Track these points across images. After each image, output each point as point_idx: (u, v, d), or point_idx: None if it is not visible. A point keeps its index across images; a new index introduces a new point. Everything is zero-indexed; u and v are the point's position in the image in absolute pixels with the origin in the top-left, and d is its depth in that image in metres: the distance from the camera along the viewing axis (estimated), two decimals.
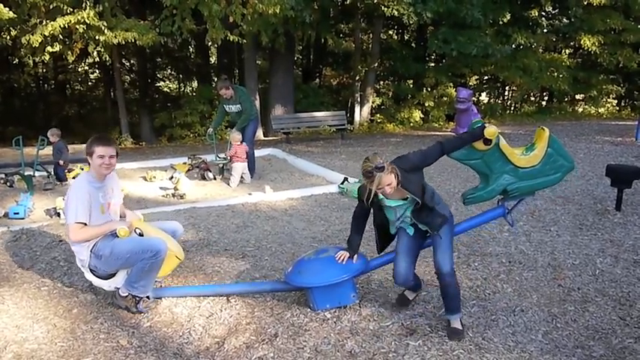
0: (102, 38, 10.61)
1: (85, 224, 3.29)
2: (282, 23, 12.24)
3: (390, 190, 2.96)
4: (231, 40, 11.24)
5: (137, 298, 3.44)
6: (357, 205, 3.36)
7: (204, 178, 7.95)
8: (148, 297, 3.54)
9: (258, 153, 10.42)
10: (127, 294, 3.43)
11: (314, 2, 13.45)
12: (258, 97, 15.30)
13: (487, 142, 3.09)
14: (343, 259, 3.36)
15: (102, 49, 11.16)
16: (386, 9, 12.69)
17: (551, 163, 3.17)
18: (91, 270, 3.43)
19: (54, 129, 8.08)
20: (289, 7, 10.74)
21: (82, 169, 7.55)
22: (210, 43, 11.88)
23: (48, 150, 8.17)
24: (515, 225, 3.85)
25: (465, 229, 3.48)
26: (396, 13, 12.72)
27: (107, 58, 12.01)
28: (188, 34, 11.54)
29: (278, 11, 10.36)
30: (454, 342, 3.07)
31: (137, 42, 11.10)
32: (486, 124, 3.10)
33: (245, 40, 11.92)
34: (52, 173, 7.77)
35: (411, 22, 13.51)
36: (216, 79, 19.42)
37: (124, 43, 11.07)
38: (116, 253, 3.32)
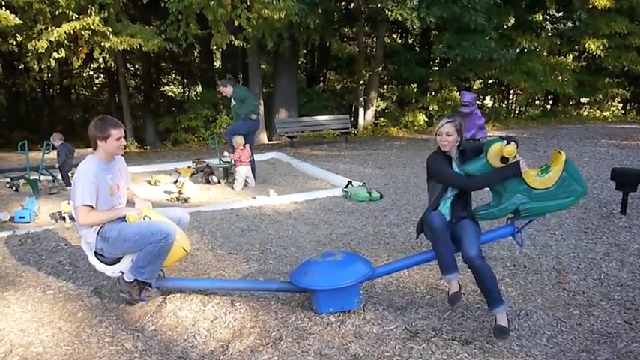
0: (107, 44, 10.68)
1: (92, 207, 3.29)
2: (286, 28, 12.28)
3: (450, 140, 3.27)
4: (235, 44, 11.30)
5: (141, 285, 3.44)
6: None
7: (208, 182, 7.98)
8: (150, 286, 3.54)
9: (262, 157, 10.48)
10: (132, 279, 3.43)
11: (318, 7, 13.48)
12: (262, 101, 15.35)
13: (504, 160, 3.10)
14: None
15: (107, 55, 11.23)
16: (389, 13, 12.72)
17: (564, 187, 3.16)
18: (97, 254, 3.43)
19: (55, 134, 8.15)
20: (294, 12, 10.79)
21: None
22: (214, 48, 11.92)
23: (53, 154, 8.23)
24: (524, 244, 3.86)
25: (482, 242, 3.47)
26: (399, 17, 12.74)
27: (112, 64, 12.07)
28: (193, 39, 11.61)
29: (283, 16, 10.40)
30: (458, 345, 3.06)
31: (143, 48, 11.17)
32: (504, 144, 3.09)
33: (249, 45, 11.97)
34: (59, 177, 7.83)
35: (414, 26, 13.51)
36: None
37: (129, 49, 11.13)
38: (124, 235, 3.31)
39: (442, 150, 3.32)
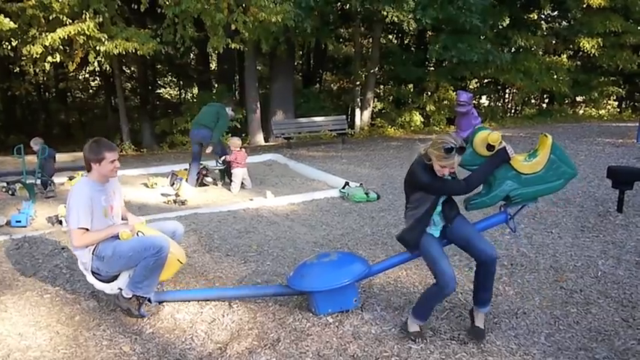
0: (102, 49, 10.65)
1: (87, 229, 3.30)
2: (282, 31, 12.28)
3: (446, 174, 3.04)
4: (232, 47, 11.30)
5: (140, 300, 3.44)
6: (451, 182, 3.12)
7: (203, 184, 7.97)
8: (149, 300, 3.55)
9: (259, 158, 10.49)
10: (130, 295, 3.42)
11: (314, 10, 13.47)
12: (258, 102, 15.36)
13: (490, 147, 3.10)
14: None
15: (102, 59, 11.21)
16: (385, 13, 12.72)
17: (553, 170, 3.16)
18: (93, 273, 3.43)
19: (36, 138, 8.12)
20: (290, 17, 10.80)
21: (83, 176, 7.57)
22: (211, 50, 11.92)
23: None
24: (517, 230, 3.85)
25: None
26: (395, 19, 12.75)
27: (107, 68, 12.05)
28: (190, 42, 11.60)
29: (280, 20, 10.42)
30: (457, 345, 3.07)
31: (138, 52, 11.15)
32: (490, 130, 3.11)
33: (247, 48, 11.96)
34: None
35: (410, 28, 13.51)
36: (216, 85, 19.47)
37: (124, 53, 11.11)
38: (118, 253, 3.32)
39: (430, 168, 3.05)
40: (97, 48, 10.71)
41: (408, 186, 3.20)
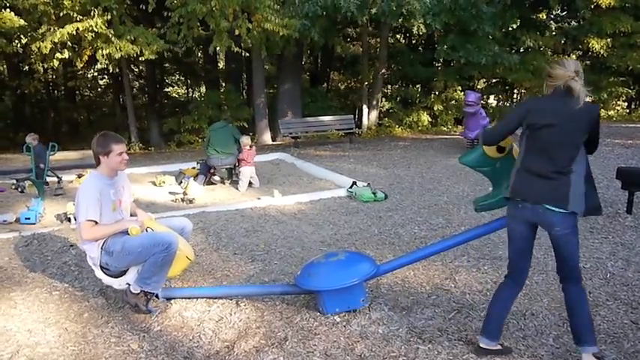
0: (106, 51, 10.70)
1: (96, 222, 3.31)
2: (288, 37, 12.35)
3: None
4: (236, 51, 11.36)
5: (148, 296, 3.46)
6: None
7: (211, 182, 8.00)
8: (157, 297, 3.56)
9: (266, 157, 10.51)
10: (138, 291, 3.44)
11: (322, 17, 13.43)
12: (266, 102, 15.37)
13: (500, 150, 3.09)
14: None
15: (108, 61, 11.27)
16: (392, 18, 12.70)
17: None
18: (102, 268, 3.45)
19: (32, 133, 8.18)
20: (297, 29, 10.85)
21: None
22: (217, 49, 11.95)
23: (58, 155, 8.25)
24: None
25: (475, 236, 3.45)
26: (405, 23, 12.72)
27: (115, 69, 12.12)
28: (193, 42, 11.63)
29: (285, 33, 10.50)
30: (464, 346, 3.06)
31: (144, 54, 11.17)
32: None
33: (247, 54, 12.01)
34: (63, 177, 7.84)
35: (420, 33, 13.47)
36: (224, 84, 19.51)
37: (127, 57, 11.15)
38: (127, 248, 3.33)
39: None
40: (103, 50, 10.74)
41: (583, 131, 2.88)
